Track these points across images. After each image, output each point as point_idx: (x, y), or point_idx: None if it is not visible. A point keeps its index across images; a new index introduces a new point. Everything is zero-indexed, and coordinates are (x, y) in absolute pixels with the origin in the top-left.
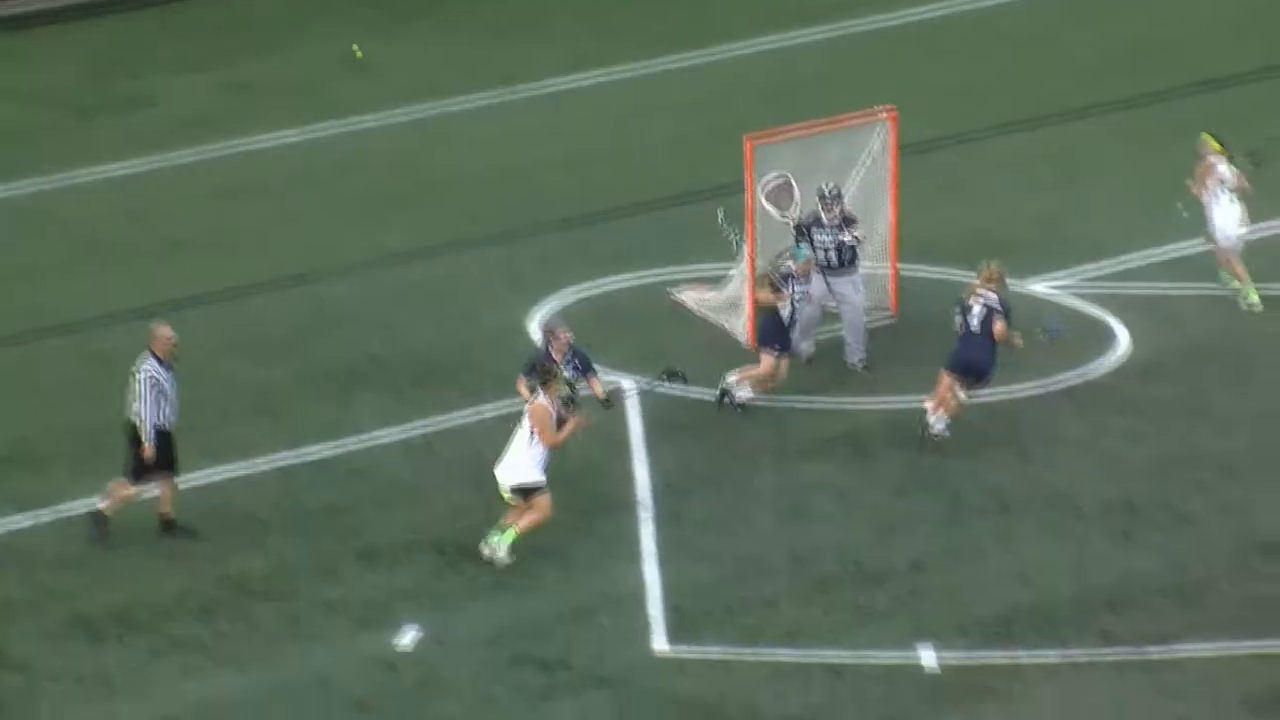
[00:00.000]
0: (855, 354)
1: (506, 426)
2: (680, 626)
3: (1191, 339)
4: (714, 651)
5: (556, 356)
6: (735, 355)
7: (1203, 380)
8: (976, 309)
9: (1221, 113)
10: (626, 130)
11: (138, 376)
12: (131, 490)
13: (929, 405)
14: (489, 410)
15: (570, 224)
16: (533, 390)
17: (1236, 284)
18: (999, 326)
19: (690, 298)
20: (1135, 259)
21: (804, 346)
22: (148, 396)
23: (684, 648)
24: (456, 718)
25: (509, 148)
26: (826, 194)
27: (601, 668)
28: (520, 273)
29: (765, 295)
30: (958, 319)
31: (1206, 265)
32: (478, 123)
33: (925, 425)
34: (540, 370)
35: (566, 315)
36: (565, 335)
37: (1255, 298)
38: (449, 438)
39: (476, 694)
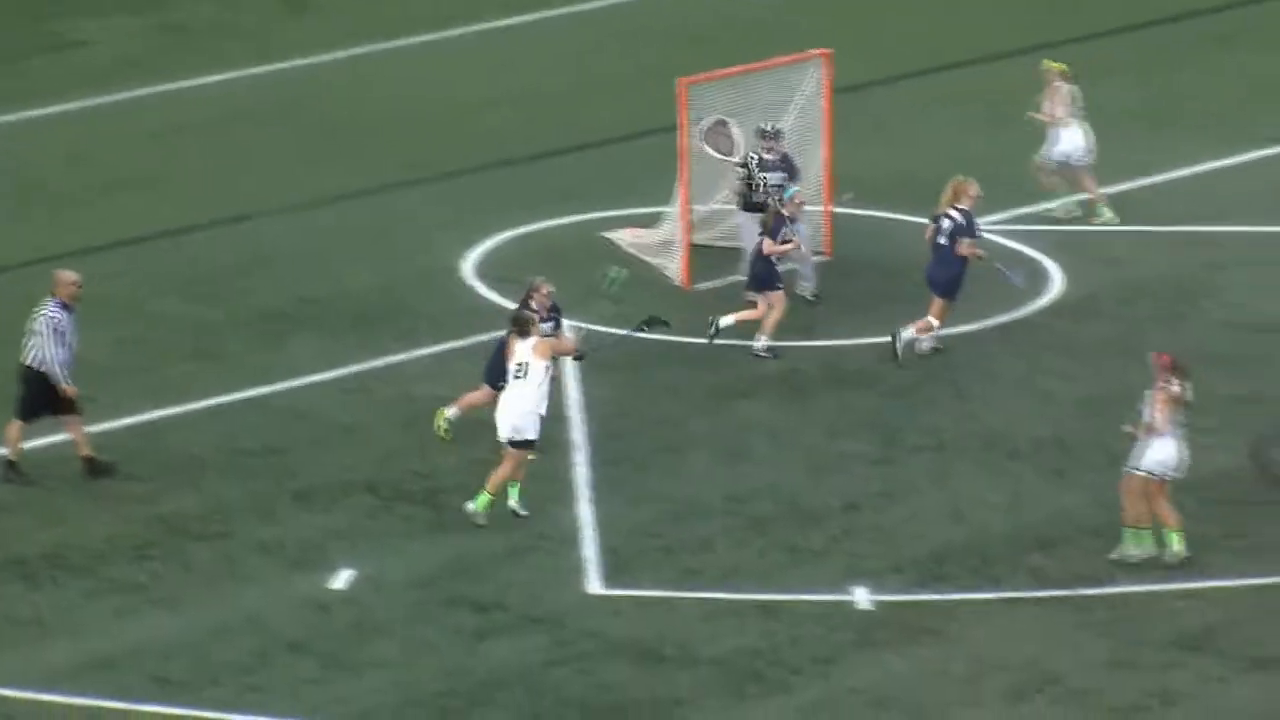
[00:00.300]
0: (807, 286)
1: (442, 368)
2: (616, 567)
3: (1125, 278)
4: (650, 592)
5: (536, 308)
6: (670, 295)
7: (1136, 319)
8: (945, 225)
9: (1145, 51)
10: (566, 70)
11: (39, 319)
12: (16, 429)
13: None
14: (423, 352)
15: (509, 164)
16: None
17: (1075, 205)
18: (963, 244)
19: (624, 238)
20: (1067, 198)
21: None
22: (49, 339)
23: (620, 589)
24: (391, 659)
25: (449, 87)
26: (768, 131)
27: (537, 608)
28: (458, 213)
29: (777, 247)
30: (930, 231)
31: (1142, 204)
32: (418, 62)
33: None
34: (518, 320)
35: (503, 255)
36: (546, 288)
37: (1110, 214)
38: (384, 379)
39: (411, 635)
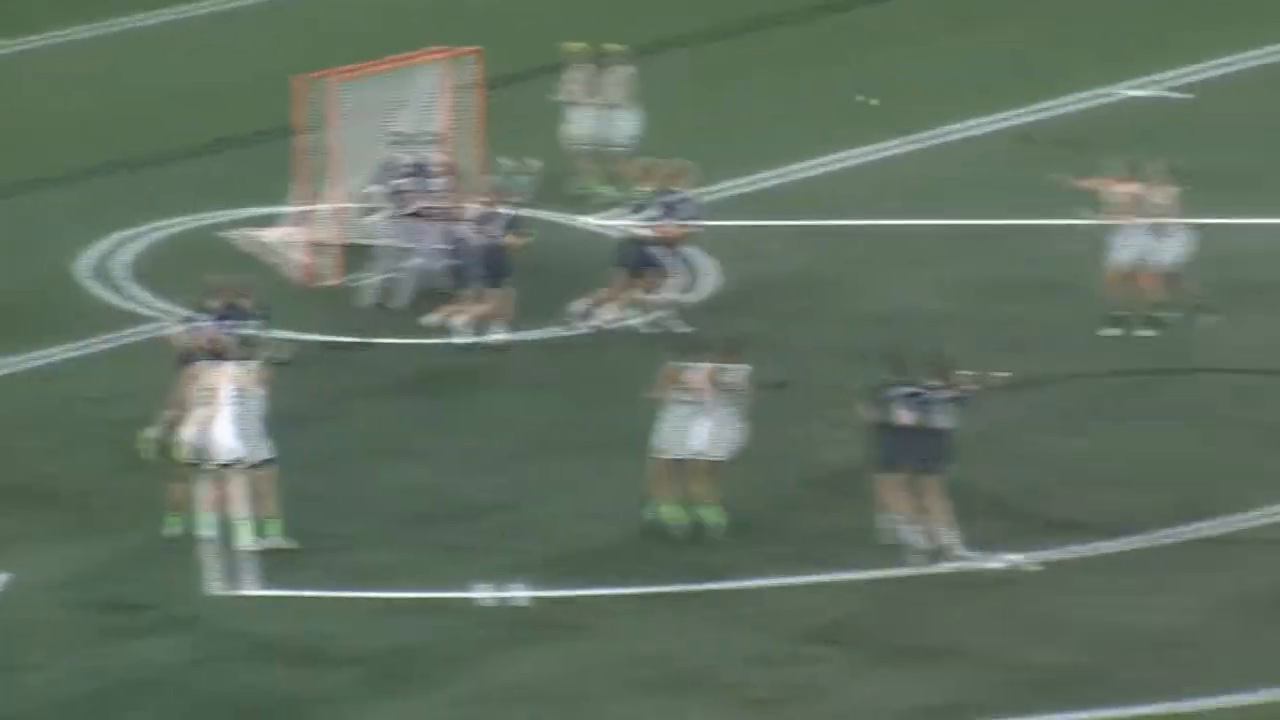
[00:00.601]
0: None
1: (80, 369)
2: (269, 567)
3: (762, 272)
4: (304, 591)
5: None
6: (294, 292)
7: (772, 313)
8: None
9: (781, 48)
10: (194, 71)
11: None
12: None
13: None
14: (60, 353)
15: (136, 166)
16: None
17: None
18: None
19: (247, 236)
20: (712, 192)
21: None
22: None
23: (273, 588)
24: (39, 662)
25: (76, 89)
26: (412, 136)
27: (186, 609)
28: (87, 214)
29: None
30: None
31: (781, 199)
32: (45, 63)
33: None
34: (215, 342)
35: (136, 257)
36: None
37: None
38: (23, 381)
39: (58, 637)
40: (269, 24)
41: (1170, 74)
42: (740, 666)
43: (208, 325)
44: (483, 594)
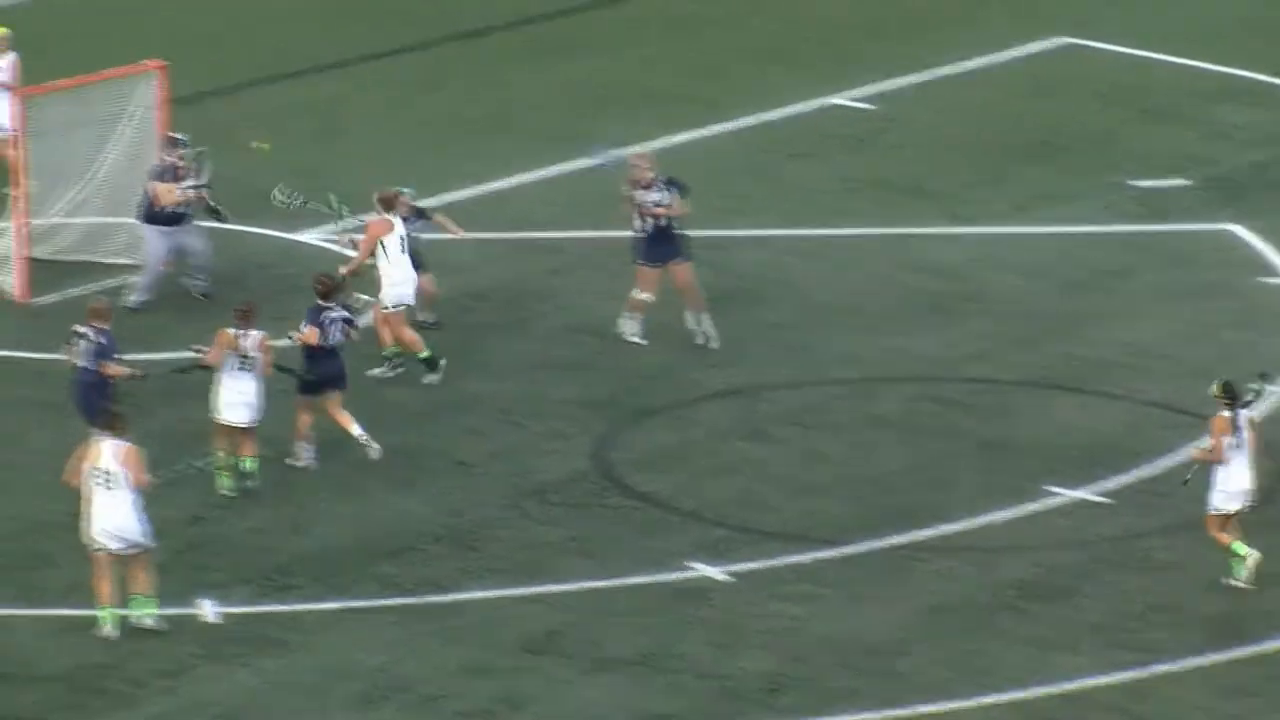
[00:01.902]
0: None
1: None
2: None
3: (465, 286)
4: None
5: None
6: (6, 309)
7: (475, 326)
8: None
9: (475, 62)
10: None
11: None
12: None
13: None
14: None
15: None
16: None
17: None
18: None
19: None
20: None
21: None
22: None
23: None
24: None
25: None
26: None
27: None
28: None
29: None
30: None
31: (482, 213)
32: None
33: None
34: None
35: None
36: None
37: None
38: None
39: None
40: None
41: (856, 86)
42: (445, 678)
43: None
44: (202, 609)
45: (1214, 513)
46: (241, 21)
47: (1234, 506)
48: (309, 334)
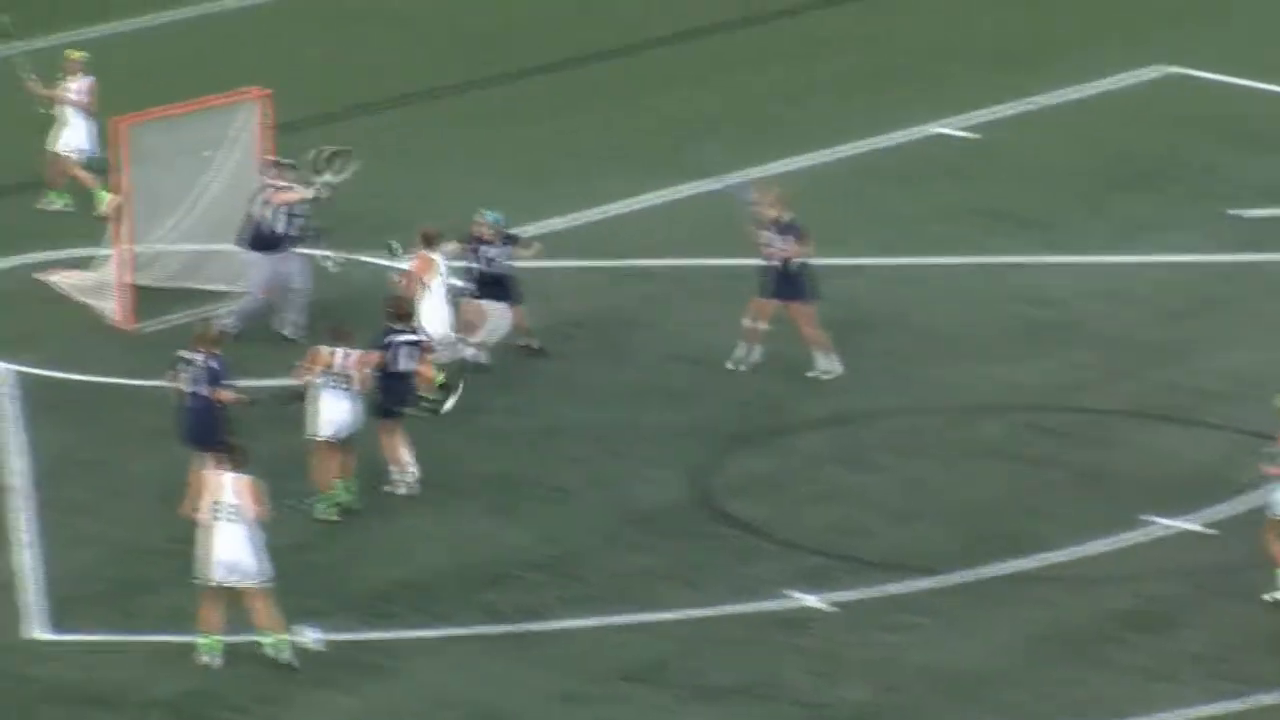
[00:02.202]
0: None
1: None
2: (59, 612)
3: (564, 314)
4: (93, 636)
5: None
6: (111, 336)
7: (575, 354)
8: None
9: (571, 92)
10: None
11: None
12: None
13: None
14: None
15: None
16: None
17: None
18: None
19: (60, 279)
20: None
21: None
22: None
23: (62, 633)
24: None
25: None
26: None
27: None
28: None
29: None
30: None
31: (578, 240)
32: None
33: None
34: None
35: None
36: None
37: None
38: None
39: None
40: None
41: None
42: (545, 707)
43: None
44: (304, 635)
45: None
46: (341, 50)
47: None
48: (373, 357)
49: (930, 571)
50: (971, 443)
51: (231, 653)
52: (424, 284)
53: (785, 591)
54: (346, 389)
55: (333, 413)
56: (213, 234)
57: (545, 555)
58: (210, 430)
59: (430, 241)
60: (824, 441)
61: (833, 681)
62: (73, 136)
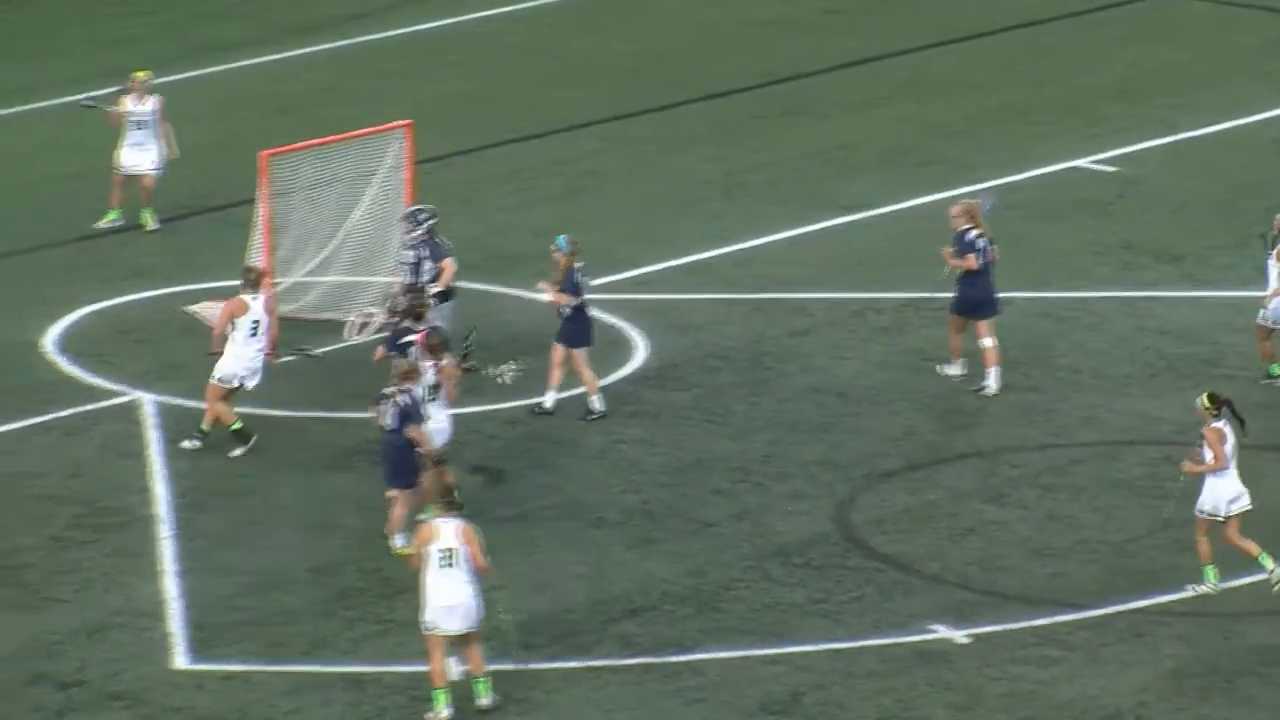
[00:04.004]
0: None
1: (21, 444)
2: (200, 641)
3: (707, 345)
4: (235, 666)
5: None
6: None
7: (718, 386)
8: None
9: (719, 123)
10: None
11: None
12: None
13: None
14: (3, 428)
15: (85, 240)
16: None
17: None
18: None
19: (207, 312)
20: (650, 267)
21: None
22: None
23: (204, 663)
24: None
25: (21, 162)
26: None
27: (119, 685)
28: (36, 289)
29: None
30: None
31: (723, 272)
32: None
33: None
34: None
35: (81, 330)
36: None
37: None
38: None
39: None
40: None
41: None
42: None
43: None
44: (447, 665)
45: (1212, 516)
46: (489, 83)
47: (1237, 509)
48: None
49: (1072, 606)
50: (1112, 477)
51: (374, 683)
52: (234, 326)
53: (928, 625)
54: (437, 400)
55: (434, 424)
56: (355, 266)
57: (686, 587)
58: (403, 468)
59: (253, 284)
60: (966, 476)
61: (974, 716)
62: (144, 157)
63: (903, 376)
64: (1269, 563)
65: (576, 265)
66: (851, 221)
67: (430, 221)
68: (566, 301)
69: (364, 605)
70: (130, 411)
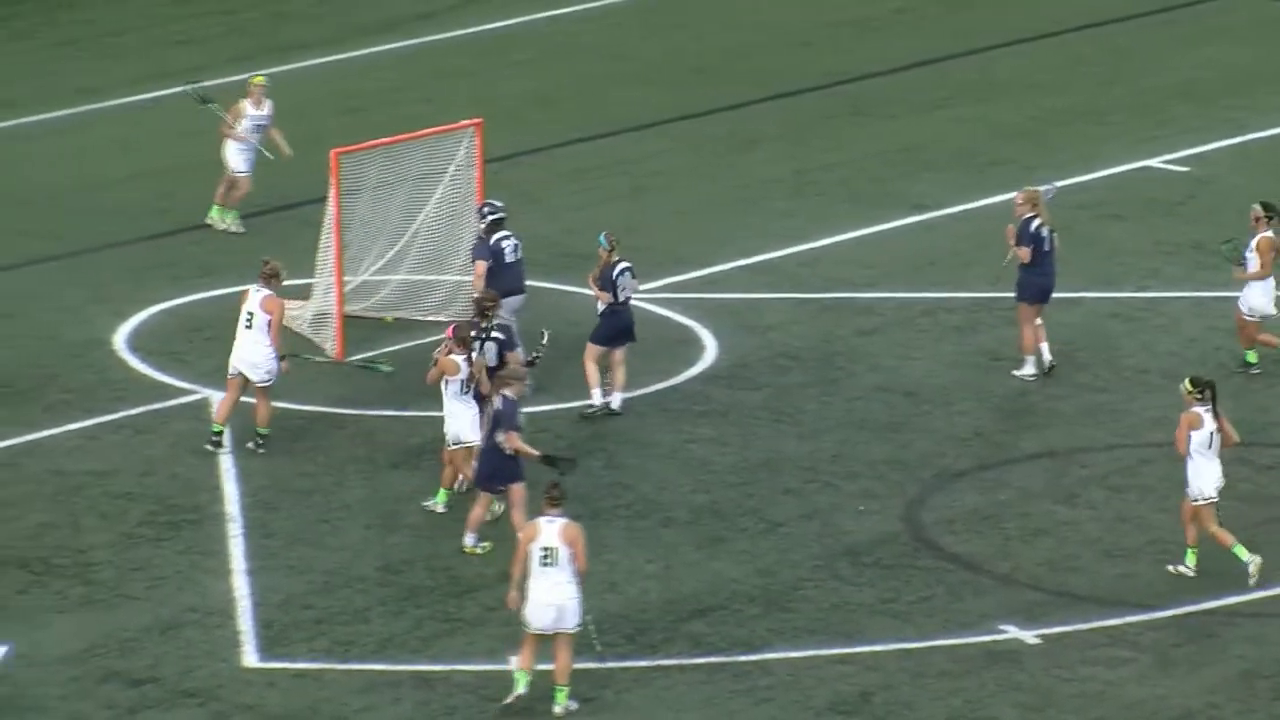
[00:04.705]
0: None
1: (92, 442)
2: (271, 639)
3: (776, 344)
4: (305, 664)
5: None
6: (324, 369)
7: (787, 385)
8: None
9: (787, 122)
10: (206, 144)
11: None
12: None
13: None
14: (74, 426)
15: (153, 238)
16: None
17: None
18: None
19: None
20: (718, 266)
21: None
22: None
23: (275, 661)
24: None
25: (88, 163)
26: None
27: (191, 682)
28: (105, 288)
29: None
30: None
31: (792, 272)
32: (53, 137)
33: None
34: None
35: (151, 329)
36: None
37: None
38: (32, 454)
39: (65, 711)
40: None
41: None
42: None
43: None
44: (512, 665)
45: (1205, 500)
46: (556, 82)
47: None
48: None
49: (1142, 607)
50: (1181, 478)
51: (443, 681)
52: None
53: (997, 626)
54: (467, 392)
55: (467, 417)
56: (424, 264)
57: (756, 587)
58: (493, 471)
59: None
60: (1036, 476)
61: (1044, 716)
62: (247, 159)
63: (972, 376)
64: (1244, 554)
65: (614, 261)
66: (920, 221)
67: (491, 217)
68: (605, 299)
69: (433, 604)
70: (200, 410)
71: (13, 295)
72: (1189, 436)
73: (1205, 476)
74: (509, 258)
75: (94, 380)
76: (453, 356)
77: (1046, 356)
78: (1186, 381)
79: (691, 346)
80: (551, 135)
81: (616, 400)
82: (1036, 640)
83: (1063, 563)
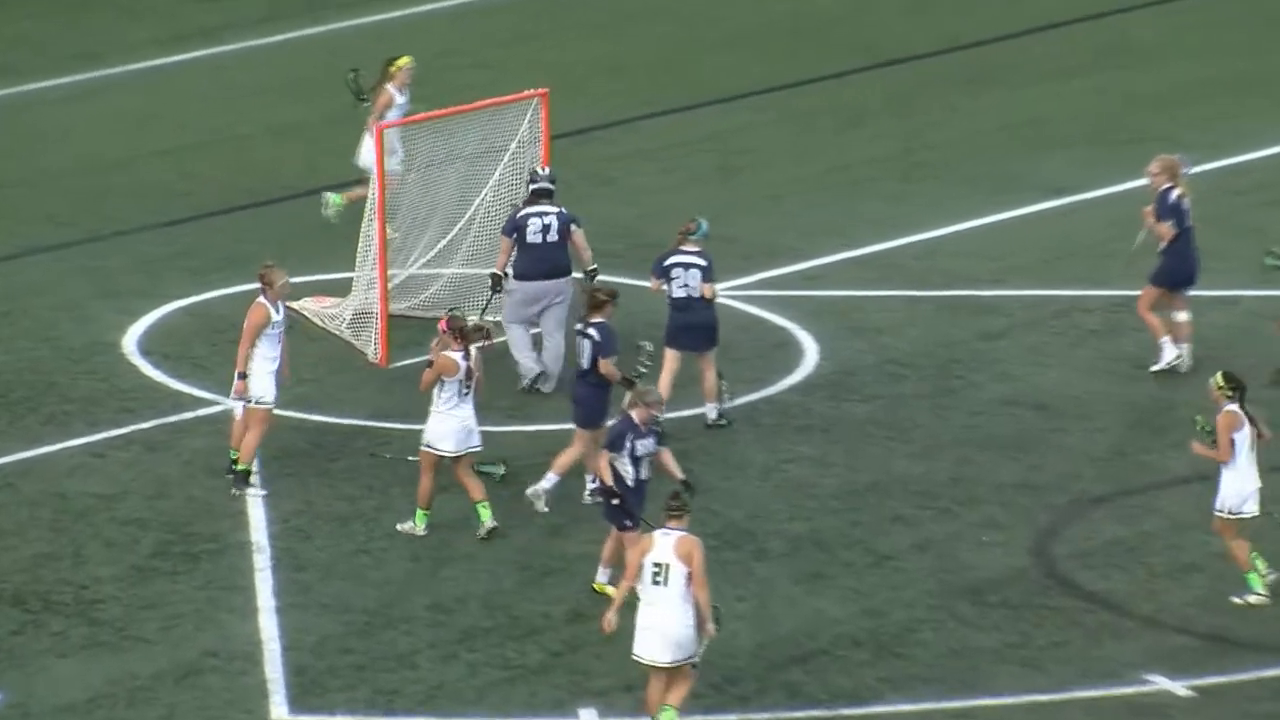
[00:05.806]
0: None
1: (99, 460)
2: (303, 688)
3: (886, 349)
4: (342, 717)
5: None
6: (364, 371)
7: (899, 397)
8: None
9: (895, 93)
10: (233, 115)
11: None
12: None
13: None
14: (77, 441)
15: (171, 224)
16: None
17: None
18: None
19: (310, 308)
20: (819, 259)
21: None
22: None
23: (307, 713)
24: None
25: (96, 137)
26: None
27: None
28: (114, 282)
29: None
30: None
31: (904, 266)
32: (57, 108)
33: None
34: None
35: (166, 330)
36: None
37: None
38: (30, 473)
39: None
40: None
41: None
42: None
43: None
44: (583, 718)
45: (1229, 516)
46: (632, 47)
47: (1249, 509)
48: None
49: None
50: None
51: None
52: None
53: (1143, 675)
54: (466, 394)
55: (456, 423)
56: (478, 256)
57: (862, 629)
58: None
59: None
60: (1187, 502)
61: None
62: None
63: (1113, 387)
64: (1262, 567)
65: (686, 249)
66: (1051, 208)
67: (533, 186)
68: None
69: (490, 647)
70: (222, 423)
71: (6, 290)
72: (1232, 440)
73: (1245, 484)
74: (531, 237)
75: (99, 389)
76: (449, 353)
77: (1186, 359)
78: (1218, 376)
79: (790, 351)
80: (627, 108)
81: (712, 411)
82: (1187, 693)
83: (1217, 603)
